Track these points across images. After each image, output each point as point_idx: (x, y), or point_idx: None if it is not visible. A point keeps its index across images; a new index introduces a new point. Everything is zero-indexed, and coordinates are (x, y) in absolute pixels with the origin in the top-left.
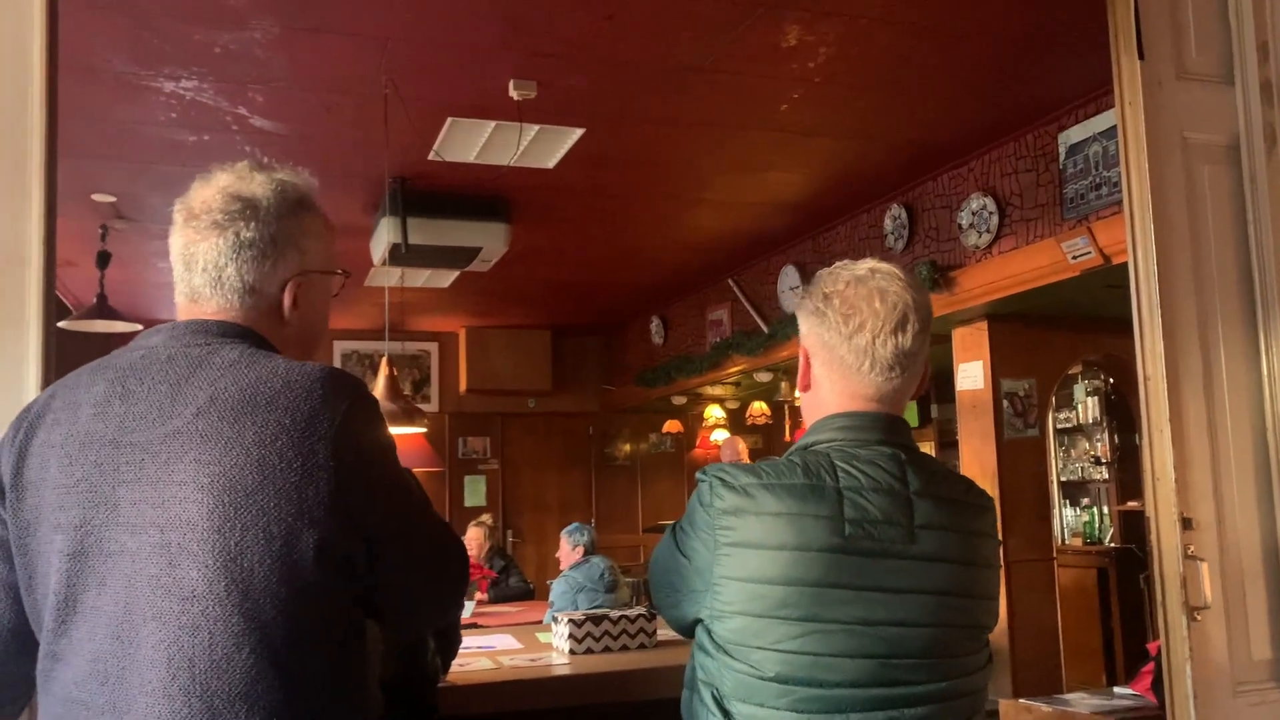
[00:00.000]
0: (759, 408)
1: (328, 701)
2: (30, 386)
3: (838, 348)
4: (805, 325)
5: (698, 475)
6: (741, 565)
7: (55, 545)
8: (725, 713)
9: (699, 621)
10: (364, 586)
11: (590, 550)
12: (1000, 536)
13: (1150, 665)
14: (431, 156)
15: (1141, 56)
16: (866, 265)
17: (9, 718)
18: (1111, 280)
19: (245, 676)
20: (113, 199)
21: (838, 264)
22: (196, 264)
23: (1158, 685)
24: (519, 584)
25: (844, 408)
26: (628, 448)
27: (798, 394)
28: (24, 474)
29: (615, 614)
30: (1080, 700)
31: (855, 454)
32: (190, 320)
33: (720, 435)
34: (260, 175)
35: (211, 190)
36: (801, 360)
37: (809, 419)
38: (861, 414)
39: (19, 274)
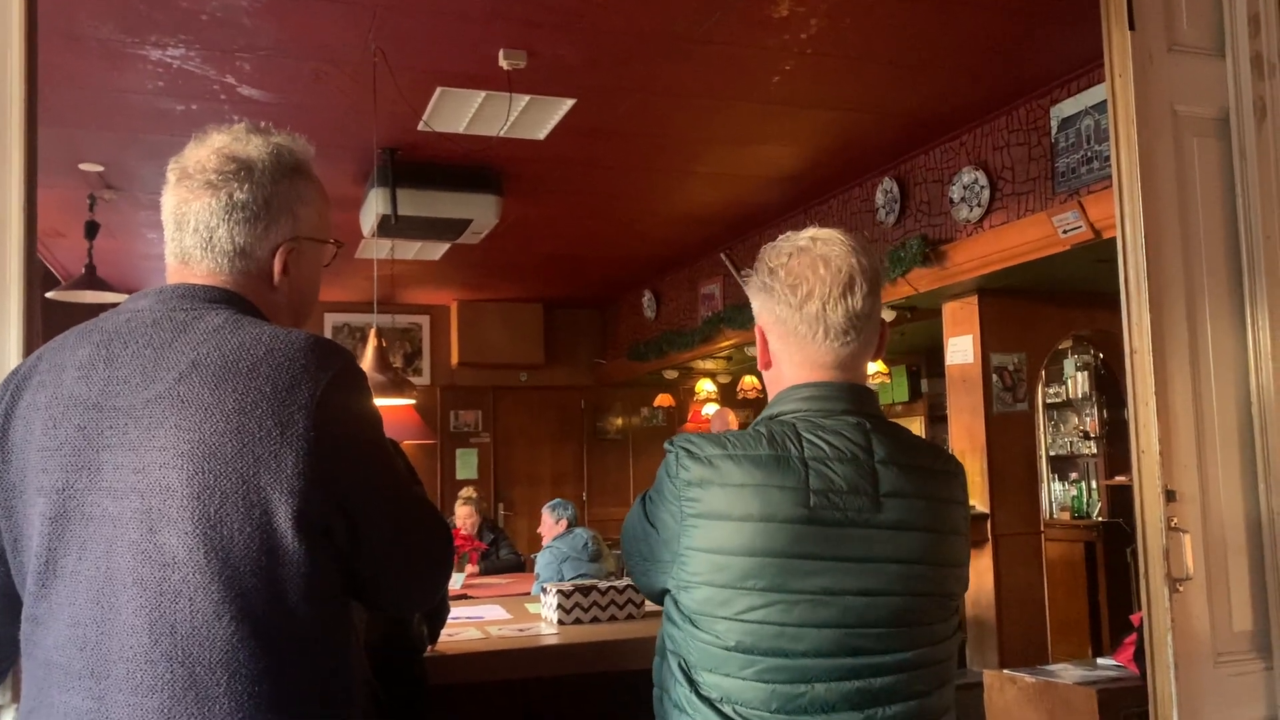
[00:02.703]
0: (750, 381)
1: (309, 669)
2: (12, 350)
3: (789, 319)
4: (757, 302)
5: (665, 445)
6: (707, 536)
7: (38, 508)
8: (692, 682)
9: (667, 591)
10: (345, 559)
11: (573, 523)
12: (988, 509)
13: (1133, 636)
14: (421, 127)
15: (1132, 28)
16: (808, 234)
17: None
18: (1102, 254)
19: (226, 644)
20: (100, 168)
21: (780, 237)
22: (188, 224)
23: (1139, 656)
24: (509, 556)
25: (805, 379)
26: (619, 421)
27: (761, 369)
28: (9, 436)
29: (603, 585)
30: (1064, 671)
31: (820, 424)
32: (178, 284)
33: (711, 409)
34: (257, 138)
35: (206, 150)
36: (759, 338)
37: (772, 394)
38: (826, 384)
39: (0, 240)
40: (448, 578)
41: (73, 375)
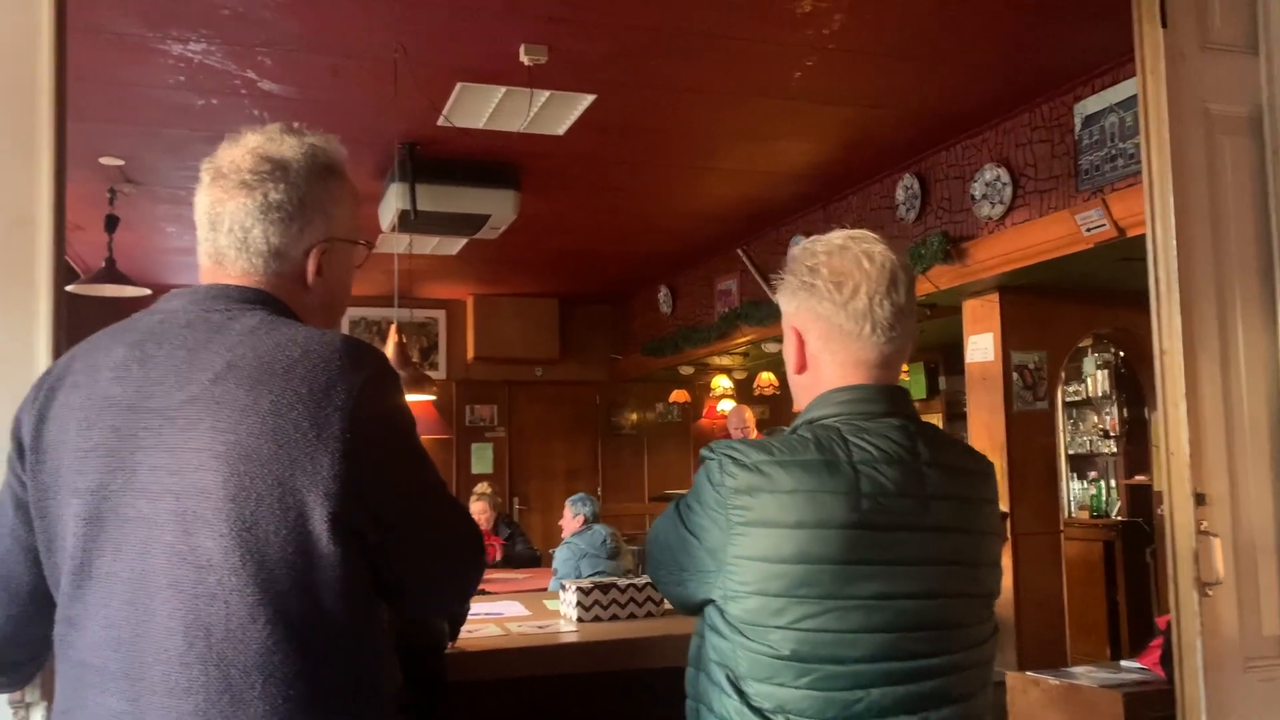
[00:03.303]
0: (767, 378)
1: (343, 671)
2: (41, 349)
3: (834, 316)
4: (792, 303)
5: (704, 453)
6: (757, 544)
7: (72, 509)
8: (742, 694)
9: (709, 602)
10: (378, 560)
11: (591, 519)
12: (1007, 508)
13: (1159, 640)
14: (441, 122)
15: (1165, 25)
16: (840, 235)
17: (26, 678)
18: (1125, 252)
19: (261, 646)
20: (121, 162)
21: (805, 241)
22: (222, 224)
23: (1166, 660)
24: (525, 550)
25: (847, 379)
26: (634, 417)
27: (791, 376)
28: (44, 437)
29: (623, 582)
30: (1087, 674)
31: (864, 427)
32: (211, 285)
33: (727, 405)
34: (291, 138)
35: (241, 150)
36: (792, 342)
37: (806, 399)
38: (865, 386)
39: (29, 236)
40: (478, 581)
41: (107, 376)
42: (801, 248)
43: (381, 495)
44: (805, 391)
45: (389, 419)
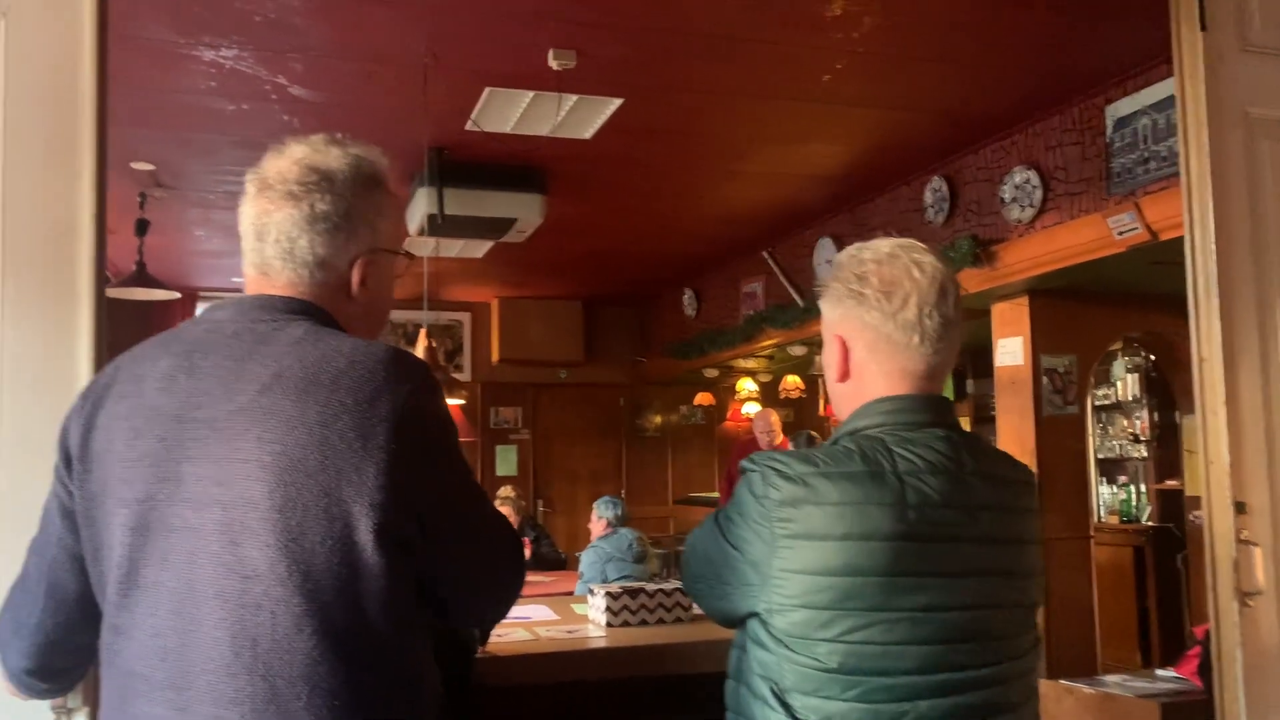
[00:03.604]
0: (793, 381)
1: (388, 682)
2: (83, 358)
3: (883, 326)
4: (838, 311)
5: (745, 465)
6: (803, 557)
7: (119, 518)
8: (787, 706)
9: (752, 615)
10: (421, 571)
11: (617, 522)
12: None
13: (1196, 649)
14: (469, 126)
15: (1204, 28)
16: (888, 243)
17: (70, 685)
18: (1158, 256)
19: (307, 657)
20: (151, 167)
21: (850, 249)
22: (269, 234)
23: (1204, 670)
24: (550, 553)
25: (892, 389)
26: (658, 419)
27: (832, 384)
28: (91, 446)
29: (651, 587)
30: (1123, 683)
31: (908, 437)
32: (257, 295)
33: (752, 408)
34: (336, 149)
35: (287, 161)
36: (836, 350)
37: (848, 408)
38: (908, 396)
39: (71, 246)
40: (519, 590)
41: (154, 386)
42: (848, 255)
43: (425, 505)
44: (847, 400)
45: (433, 430)
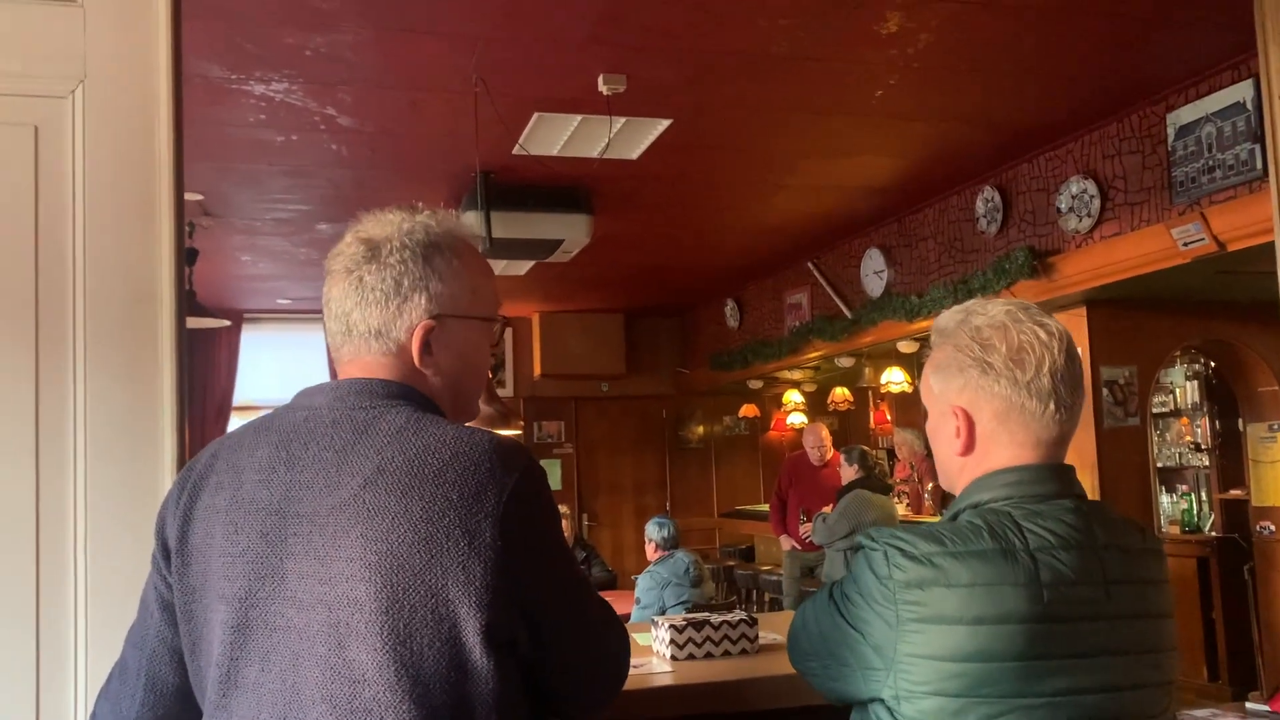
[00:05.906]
0: (841, 393)
1: None
2: (166, 423)
3: (1014, 397)
4: (957, 381)
5: (864, 541)
6: (932, 643)
7: (219, 615)
8: None
9: (876, 700)
10: (529, 669)
11: (668, 544)
12: None
13: None
14: (516, 150)
15: None
16: (998, 306)
17: None
18: (1224, 266)
19: None
20: (200, 197)
21: (952, 314)
22: (331, 310)
23: None
24: (601, 573)
25: (1021, 459)
26: (701, 430)
27: (949, 457)
28: (189, 539)
29: (716, 619)
30: (1212, 718)
31: (1037, 510)
32: (353, 380)
33: (797, 419)
34: (394, 217)
35: (349, 237)
36: (955, 423)
37: (964, 480)
38: (1034, 466)
39: (153, 313)
40: (625, 677)
41: (253, 478)
42: (958, 322)
43: (532, 602)
44: (965, 473)
45: (538, 523)
